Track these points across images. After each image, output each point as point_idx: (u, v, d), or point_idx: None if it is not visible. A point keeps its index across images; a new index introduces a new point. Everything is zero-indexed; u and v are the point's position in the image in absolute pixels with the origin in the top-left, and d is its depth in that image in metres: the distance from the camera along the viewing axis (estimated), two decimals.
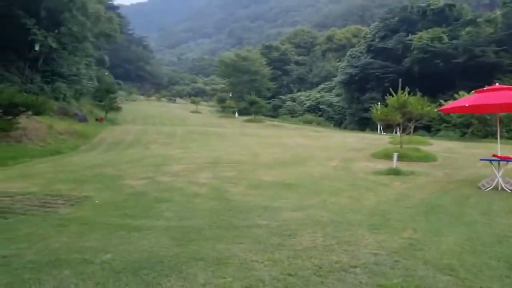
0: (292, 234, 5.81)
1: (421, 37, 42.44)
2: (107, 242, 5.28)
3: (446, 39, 42.00)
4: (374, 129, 39.13)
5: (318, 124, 49.43)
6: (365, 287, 4.01)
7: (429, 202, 8.30)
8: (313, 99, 60.84)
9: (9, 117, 15.59)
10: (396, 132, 28.93)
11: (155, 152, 17.51)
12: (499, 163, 10.00)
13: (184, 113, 55.36)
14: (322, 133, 33.60)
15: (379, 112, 17.23)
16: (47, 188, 8.96)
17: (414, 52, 42.87)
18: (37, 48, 24.72)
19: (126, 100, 69.56)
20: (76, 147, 18.95)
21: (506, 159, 10.04)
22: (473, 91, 10.48)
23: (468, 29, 41.97)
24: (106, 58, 78.56)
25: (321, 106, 58.23)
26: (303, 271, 4.37)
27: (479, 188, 9.95)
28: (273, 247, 5.19)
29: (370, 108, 18.56)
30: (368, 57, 50.42)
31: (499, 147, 10.60)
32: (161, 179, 10.57)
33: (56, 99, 26.56)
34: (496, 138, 11.10)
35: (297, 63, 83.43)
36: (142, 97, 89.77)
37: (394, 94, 17.29)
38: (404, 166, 13.84)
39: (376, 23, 55.51)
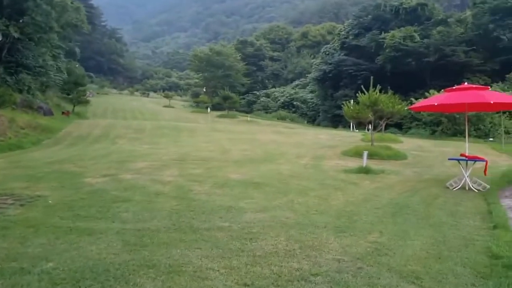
0: (253, 238, 5.53)
1: (393, 36, 42.78)
2: (52, 248, 4.88)
3: (418, 38, 42.47)
4: (346, 126, 39.29)
5: (292, 120, 49.41)
6: None
7: (397, 202, 8.16)
8: (287, 95, 60.74)
9: None
10: (368, 130, 29.06)
11: (121, 147, 16.96)
12: (466, 163, 9.96)
13: (156, 107, 54.50)
14: (295, 129, 33.50)
15: (350, 110, 17.12)
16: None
17: (387, 50, 43.20)
18: None
19: (98, 93, 68.20)
20: (38, 142, 18.19)
21: (474, 159, 10.01)
22: (442, 90, 10.39)
23: (439, 28, 42.53)
24: (77, 50, 76.61)
25: (295, 103, 58.19)
26: (260, 280, 4.09)
27: (447, 187, 9.90)
28: (232, 253, 4.89)
29: (343, 105, 18.43)
30: (342, 54, 50.56)
31: (467, 147, 10.58)
32: (124, 176, 10.12)
33: (20, 91, 25.50)
34: (465, 137, 11.09)
35: (272, 59, 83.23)
36: (114, 91, 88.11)
37: (365, 92, 17.23)
38: (374, 164, 13.77)
39: (350, 20, 55.77)
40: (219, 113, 48.08)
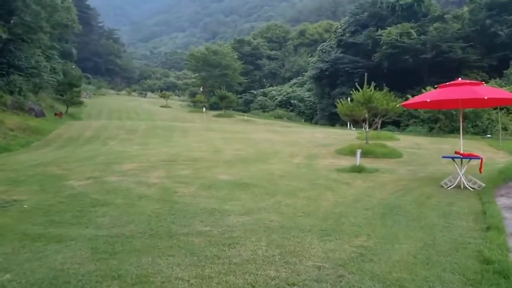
0: (233, 243, 5.24)
1: (390, 33, 42.39)
2: (14, 258, 4.59)
3: (414, 35, 42.06)
4: (344, 124, 38.96)
5: (289, 119, 49.09)
6: None
7: (389, 202, 7.86)
8: (285, 94, 60.35)
9: None
10: (364, 128, 28.77)
11: (111, 148, 16.65)
12: (461, 161, 9.67)
13: (153, 107, 54.17)
14: (291, 128, 33.19)
15: (344, 107, 16.82)
16: None
17: (383, 47, 42.80)
18: None
19: (94, 94, 67.89)
20: (27, 144, 17.89)
21: (469, 157, 9.71)
22: (436, 86, 10.10)
23: (436, 25, 42.11)
24: (74, 51, 76.26)
25: (292, 101, 57.82)
26: None
27: (442, 186, 9.60)
28: (207, 260, 4.60)
29: (337, 103, 18.13)
30: (338, 52, 50.14)
31: (461, 144, 10.27)
32: (108, 179, 9.82)
33: (11, 92, 25.15)
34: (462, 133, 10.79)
35: (269, 57, 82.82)
36: (112, 92, 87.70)
37: (360, 89, 16.93)
38: (368, 163, 13.48)
39: (346, 17, 55.36)
40: (216, 112, 47.75)
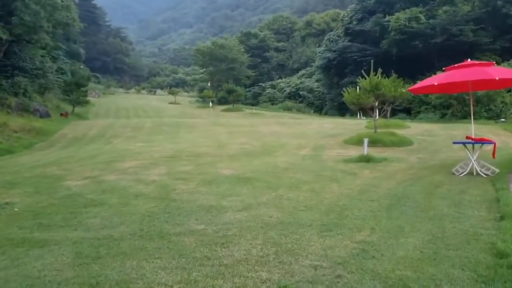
0: (226, 243, 4.91)
1: (398, 18, 41.50)
2: None
3: (423, 19, 41.14)
4: (354, 114, 38.35)
5: (298, 110, 48.56)
6: None
7: (396, 193, 7.46)
8: (293, 85, 59.74)
9: None
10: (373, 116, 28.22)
11: (115, 147, 16.41)
12: (473, 146, 9.21)
13: (161, 104, 54.03)
14: (300, 120, 32.73)
15: (350, 96, 16.35)
16: None
17: (392, 33, 41.94)
18: None
19: (104, 93, 68.01)
20: (31, 145, 17.76)
21: (481, 141, 9.25)
22: (444, 69, 9.62)
23: (445, 8, 41.11)
24: (82, 51, 76.56)
25: (301, 93, 57.21)
26: None
27: (453, 173, 9.16)
28: (195, 262, 4.27)
29: (343, 92, 17.65)
30: (346, 40, 49.32)
31: (473, 129, 9.79)
32: (106, 178, 9.55)
33: (15, 94, 25.12)
34: (476, 118, 10.31)
35: (276, 49, 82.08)
36: (121, 90, 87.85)
37: (367, 77, 16.45)
38: (377, 152, 13.08)
39: (353, 5, 54.40)
40: (224, 107, 47.42)
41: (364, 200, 7.03)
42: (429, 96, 30.58)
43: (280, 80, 66.63)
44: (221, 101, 52.03)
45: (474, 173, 8.96)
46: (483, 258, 4.14)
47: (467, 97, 25.72)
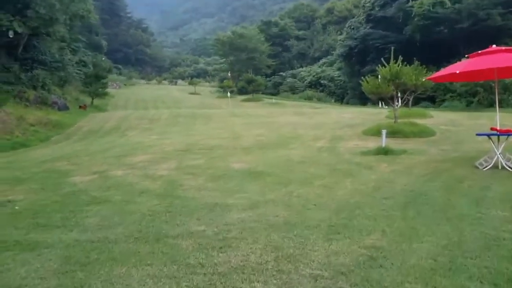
0: (224, 246, 4.59)
1: (422, 3, 40.22)
2: None
3: (448, 4, 39.75)
4: (376, 103, 37.51)
5: (319, 100, 47.90)
6: None
7: (413, 189, 7.01)
8: (314, 74, 58.94)
9: None
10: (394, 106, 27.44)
11: (129, 140, 16.28)
12: (498, 138, 8.63)
13: (181, 95, 54.01)
14: (319, 109, 32.15)
15: (369, 85, 15.76)
16: None
17: (415, 19, 40.72)
18: (11, 35, 23.36)
19: (125, 84, 68.42)
20: (47, 138, 17.81)
21: (507, 133, 8.66)
22: (466, 56, 9.03)
23: None
24: (104, 43, 77.23)
25: (322, 81, 56.39)
26: None
27: (477, 167, 8.62)
28: (187, 270, 3.97)
29: (361, 81, 17.04)
30: (368, 27, 48.20)
31: (498, 119, 9.19)
32: (114, 173, 9.35)
33: (34, 87, 25.31)
34: (503, 107, 9.69)
35: (297, 38, 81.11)
36: (143, 81, 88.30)
37: (386, 65, 15.82)
38: (396, 143, 12.54)
39: None
40: (244, 97, 47.08)
41: (378, 197, 6.61)
42: (454, 83, 29.56)
43: (301, 69, 65.86)
44: (241, 91, 51.70)
45: (499, 167, 8.42)
46: (504, 268, 3.71)
47: (493, 84, 24.73)
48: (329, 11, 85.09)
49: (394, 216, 5.55)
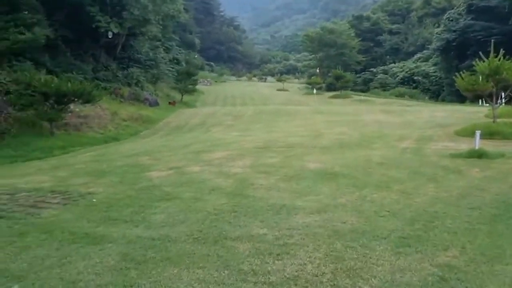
0: (282, 253, 4.37)
1: None
2: (40, 263, 4.28)
3: None
4: (475, 101, 34.68)
5: (411, 97, 45.40)
6: None
7: (506, 200, 6.24)
8: (407, 70, 56.01)
9: (61, 107, 15.67)
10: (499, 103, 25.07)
11: (211, 136, 16.60)
12: None
13: (270, 91, 54.33)
14: (410, 107, 30.44)
15: (464, 81, 14.47)
16: (61, 183, 8.33)
17: None
18: (110, 35, 25.11)
19: (216, 81, 70.44)
20: (136, 133, 18.77)
21: None
22: None
23: None
24: (197, 41, 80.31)
25: (415, 78, 53.39)
26: None
27: None
28: (238, 277, 3.81)
29: (455, 77, 15.70)
30: (468, 18, 44.67)
31: None
32: (190, 169, 9.49)
33: (129, 84, 26.95)
34: None
35: (390, 32, 77.68)
36: (233, 78, 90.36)
37: (485, 59, 14.45)
38: (493, 146, 11.39)
39: None
40: (331, 93, 46.15)
41: (462, 207, 5.95)
42: None
43: (393, 65, 62.96)
44: (330, 88, 50.72)
45: None
46: None
47: None
48: (427, 2, 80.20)
49: (479, 230, 4.93)
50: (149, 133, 19.43)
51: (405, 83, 53.45)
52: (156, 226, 5.44)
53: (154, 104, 28.04)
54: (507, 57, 14.16)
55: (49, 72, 17.31)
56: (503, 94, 15.43)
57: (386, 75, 58.54)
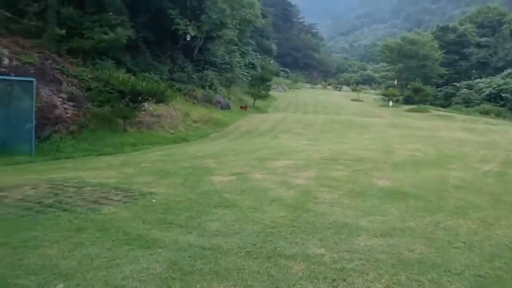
0: (338, 279, 4.01)
1: None
2: (88, 263, 4.24)
3: None
4: None
5: (497, 115, 42.36)
6: None
7: None
8: (495, 86, 52.36)
9: (135, 105, 16.19)
10: None
11: (279, 143, 16.35)
12: None
13: (343, 101, 53.27)
14: (496, 126, 28.29)
15: None
16: (126, 180, 8.47)
17: None
18: (188, 38, 25.79)
19: (290, 88, 70.41)
20: (205, 135, 18.95)
21: None
22: None
23: None
24: (274, 47, 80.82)
25: (503, 95, 49.73)
26: None
27: None
28: None
29: None
30: None
31: None
32: (253, 176, 9.29)
33: (203, 87, 27.49)
34: None
35: (478, 45, 73.21)
36: (307, 85, 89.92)
37: None
38: None
39: None
40: (408, 107, 44.27)
41: None
42: None
43: (478, 80, 59.19)
44: (407, 101, 48.79)
45: None
46: None
47: None
48: None
49: None
50: (218, 136, 19.58)
51: (492, 100, 50.05)
52: (210, 235, 5.26)
53: (226, 107, 28.39)
54: None
55: (129, 71, 18.04)
56: None
57: (470, 91, 55.18)
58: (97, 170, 9.65)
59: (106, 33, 17.30)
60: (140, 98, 15.98)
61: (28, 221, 5.63)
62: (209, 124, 21.27)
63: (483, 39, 74.33)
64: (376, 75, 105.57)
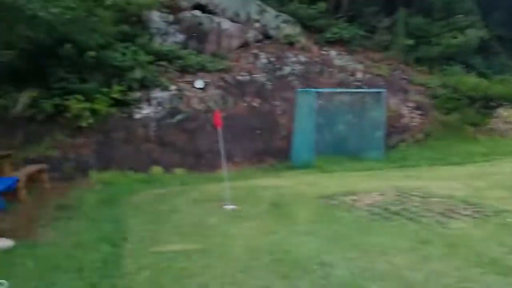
0: None
1: None
2: (434, 280, 4.07)
3: None
4: None
5: None
6: None
7: None
8: None
9: (487, 111, 14.52)
10: None
11: None
12: None
13: None
14: None
15: None
16: (474, 194, 7.67)
17: None
18: None
19: None
20: None
21: None
22: None
23: None
24: None
25: None
26: None
27: None
28: None
29: None
30: None
31: None
32: None
33: None
34: None
35: None
36: None
37: None
38: None
39: None
40: None
41: None
42: None
43: None
44: None
45: None
46: None
47: None
48: None
49: None
50: None
51: None
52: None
53: None
54: None
55: (480, 74, 16.56)
56: None
57: None
58: (443, 181, 9.28)
59: (455, 37, 16.49)
60: (493, 103, 14.40)
61: (376, 227, 5.92)
62: None
63: None
64: None
